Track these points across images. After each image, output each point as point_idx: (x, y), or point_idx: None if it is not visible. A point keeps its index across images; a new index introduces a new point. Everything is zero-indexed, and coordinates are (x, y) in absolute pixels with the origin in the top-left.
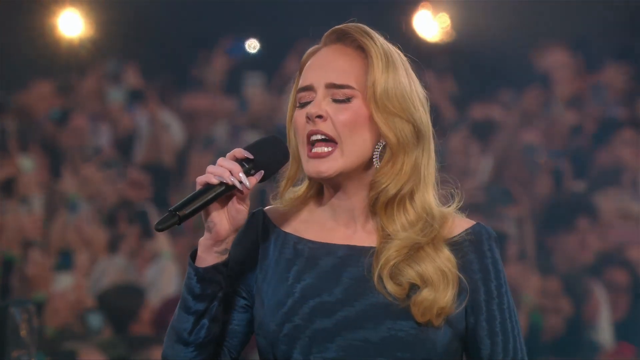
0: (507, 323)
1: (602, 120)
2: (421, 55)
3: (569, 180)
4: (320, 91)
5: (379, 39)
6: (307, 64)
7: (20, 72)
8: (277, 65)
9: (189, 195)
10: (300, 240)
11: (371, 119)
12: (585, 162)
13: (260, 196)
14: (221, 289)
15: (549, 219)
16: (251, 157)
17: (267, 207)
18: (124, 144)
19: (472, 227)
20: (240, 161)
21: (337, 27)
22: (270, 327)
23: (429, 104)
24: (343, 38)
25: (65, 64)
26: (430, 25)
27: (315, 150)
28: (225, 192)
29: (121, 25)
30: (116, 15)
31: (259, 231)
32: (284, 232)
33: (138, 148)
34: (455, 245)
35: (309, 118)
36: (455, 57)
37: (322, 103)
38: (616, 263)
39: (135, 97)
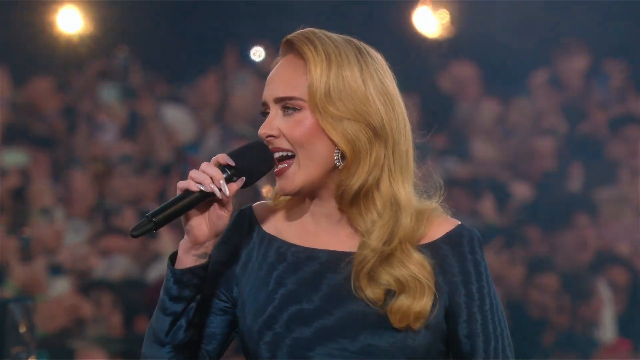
0: (489, 324)
1: (604, 116)
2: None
3: (569, 176)
4: (272, 107)
5: (327, 40)
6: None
7: (19, 68)
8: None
9: (168, 201)
10: (283, 243)
11: (321, 126)
12: (586, 158)
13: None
14: (199, 292)
15: (549, 216)
16: (233, 164)
17: (256, 204)
18: (122, 143)
19: (454, 229)
20: (223, 167)
21: (286, 37)
22: (251, 333)
23: (399, 100)
24: (292, 48)
25: (64, 61)
26: (430, 21)
27: (279, 167)
28: (204, 199)
29: (119, 21)
30: (114, 12)
31: (245, 232)
32: (269, 234)
33: (139, 146)
34: (434, 248)
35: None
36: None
37: (273, 121)
38: (613, 260)
39: (134, 94)
